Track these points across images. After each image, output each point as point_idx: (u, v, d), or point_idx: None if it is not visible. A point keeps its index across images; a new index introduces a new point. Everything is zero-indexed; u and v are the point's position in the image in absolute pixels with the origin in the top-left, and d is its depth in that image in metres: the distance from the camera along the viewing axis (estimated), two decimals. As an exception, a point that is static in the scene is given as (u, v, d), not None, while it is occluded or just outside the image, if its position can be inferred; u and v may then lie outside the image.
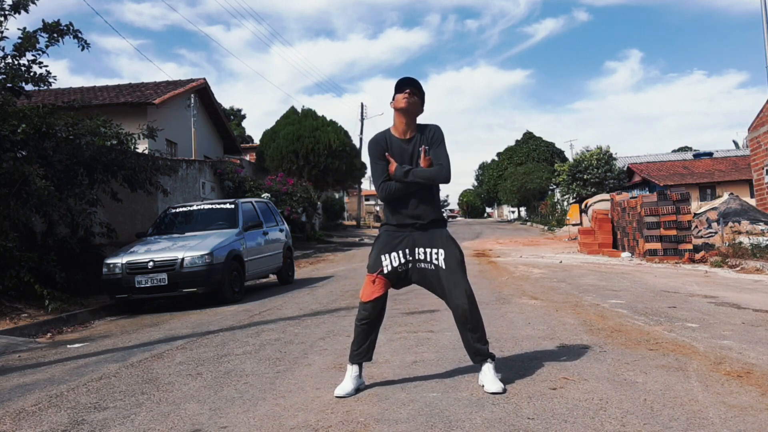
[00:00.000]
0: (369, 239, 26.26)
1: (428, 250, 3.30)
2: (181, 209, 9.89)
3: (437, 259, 3.28)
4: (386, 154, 3.33)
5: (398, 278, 3.34)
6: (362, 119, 41.33)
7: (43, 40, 8.57)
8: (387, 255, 3.31)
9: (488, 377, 3.20)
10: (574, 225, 26.35)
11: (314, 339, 5.04)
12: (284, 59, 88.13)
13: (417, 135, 3.36)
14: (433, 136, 3.37)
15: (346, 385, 3.28)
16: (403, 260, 3.30)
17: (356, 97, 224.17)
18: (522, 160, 51.64)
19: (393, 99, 3.34)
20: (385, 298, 3.35)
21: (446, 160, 3.33)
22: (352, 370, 3.33)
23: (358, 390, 3.31)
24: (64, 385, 4.04)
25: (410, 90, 3.29)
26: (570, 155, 46.32)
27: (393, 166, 3.30)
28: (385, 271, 3.30)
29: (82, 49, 9.00)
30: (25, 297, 7.55)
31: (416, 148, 3.33)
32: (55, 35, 8.63)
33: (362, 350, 3.35)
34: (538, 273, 9.81)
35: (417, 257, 3.31)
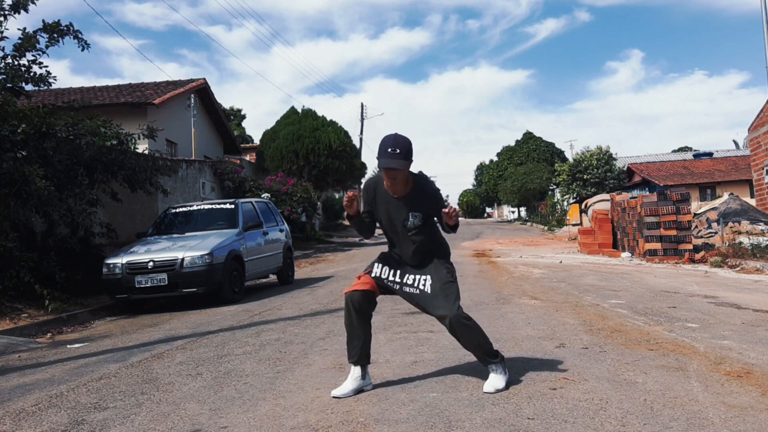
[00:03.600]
0: (369, 239, 26.17)
1: (416, 277, 3.32)
2: (181, 209, 9.89)
3: (424, 284, 3.29)
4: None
5: (385, 287, 3.37)
6: (362, 119, 41.38)
7: (43, 40, 8.57)
8: (380, 264, 3.39)
9: (488, 377, 3.23)
10: (574, 225, 26.35)
11: (314, 339, 5.04)
12: (285, 59, 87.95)
13: (407, 198, 3.26)
14: (431, 204, 3.29)
15: (345, 385, 3.28)
16: (392, 278, 3.36)
17: (357, 98, 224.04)
18: (522, 160, 51.63)
19: (377, 159, 3.16)
20: (369, 297, 3.31)
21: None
22: (353, 371, 3.32)
23: (362, 391, 3.30)
24: (64, 385, 4.04)
25: (394, 173, 3.14)
26: (570, 155, 46.32)
27: None
28: (373, 274, 3.35)
29: (83, 50, 9.01)
30: (25, 297, 7.55)
31: (404, 212, 3.26)
32: (55, 35, 8.62)
33: (352, 349, 3.33)
34: (538, 273, 9.81)
35: (405, 281, 3.35)
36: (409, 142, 3.16)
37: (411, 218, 3.28)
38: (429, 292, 3.25)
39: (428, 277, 3.29)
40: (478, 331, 3.24)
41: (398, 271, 3.37)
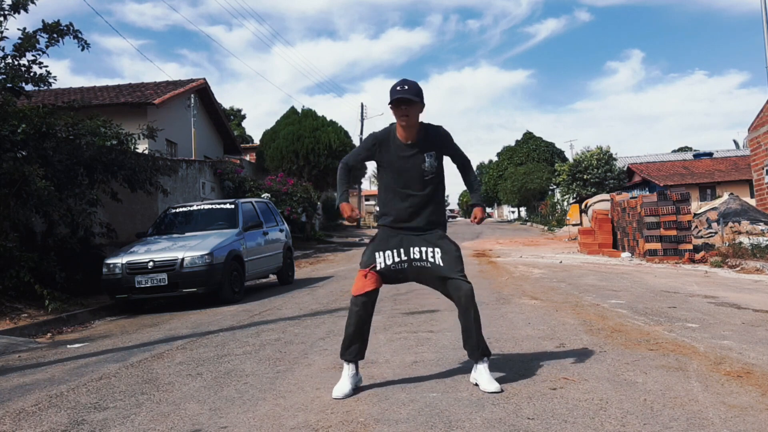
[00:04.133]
0: (369, 239, 26.18)
1: (424, 249, 3.30)
2: (181, 209, 9.89)
3: (433, 257, 3.28)
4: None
5: (392, 275, 3.33)
6: (362, 119, 41.37)
7: (43, 40, 8.56)
8: (381, 252, 3.32)
9: (484, 376, 3.20)
10: (574, 225, 26.36)
11: (314, 339, 5.04)
12: (285, 59, 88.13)
13: (420, 141, 3.34)
14: (443, 142, 3.41)
15: (344, 385, 3.26)
16: (398, 259, 3.30)
17: (357, 98, 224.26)
18: (522, 160, 51.64)
19: (390, 103, 3.28)
20: (376, 295, 3.32)
21: (467, 158, 3.57)
22: (348, 369, 3.31)
23: (356, 388, 3.31)
24: (64, 385, 4.04)
25: (405, 107, 3.23)
26: (570, 155, 46.33)
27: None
28: (378, 268, 3.30)
29: (82, 50, 9.01)
30: (25, 297, 7.55)
31: (420, 156, 3.31)
32: (55, 35, 8.62)
33: (355, 348, 3.32)
34: (538, 273, 9.81)
35: (412, 256, 3.31)
36: (417, 83, 3.29)
37: (428, 159, 3.31)
38: (441, 264, 3.26)
39: (437, 249, 3.29)
40: (479, 319, 3.26)
41: (401, 249, 3.30)
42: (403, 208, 3.34)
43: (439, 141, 3.39)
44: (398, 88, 3.24)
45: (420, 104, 3.28)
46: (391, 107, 3.25)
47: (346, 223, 37.41)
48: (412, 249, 3.30)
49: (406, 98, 3.21)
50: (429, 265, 3.28)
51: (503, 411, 2.83)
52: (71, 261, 8.41)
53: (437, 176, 3.37)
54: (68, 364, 4.80)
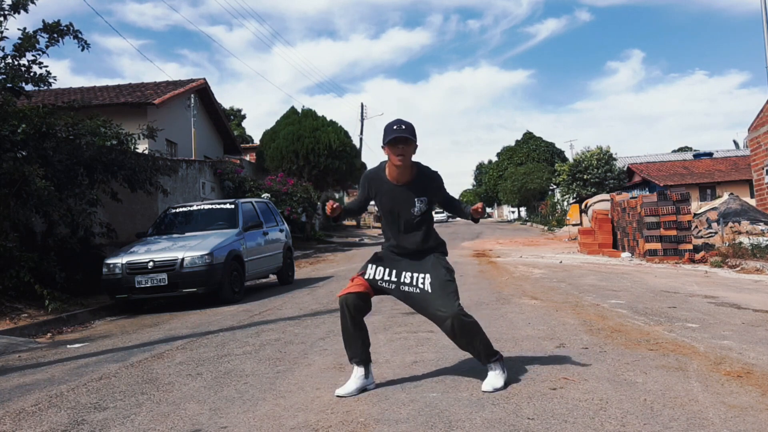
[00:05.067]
0: (369, 239, 26.26)
1: (414, 275, 3.29)
2: (181, 209, 9.89)
3: (423, 283, 3.26)
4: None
5: (378, 288, 3.34)
6: (362, 119, 41.38)
7: (43, 40, 8.57)
8: (373, 265, 3.37)
9: (487, 378, 3.21)
10: (574, 225, 26.37)
11: (314, 339, 5.04)
12: (286, 60, 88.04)
13: (412, 184, 3.31)
14: (435, 189, 3.38)
15: (348, 385, 3.27)
16: (387, 277, 3.32)
17: (357, 98, 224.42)
18: (522, 160, 51.65)
19: (383, 143, 3.22)
20: (363, 299, 3.30)
21: (452, 197, 3.53)
22: (356, 371, 3.31)
23: (365, 390, 3.30)
24: (64, 385, 4.04)
25: (402, 146, 3.19)
26: (570, 155, 46.35)
27: None
28: (366, 276, 3.33)
29: (83, 50, 9.01)
30: (25, 297, 7.55)
31: (410, 200, 3.30)
32: (55, 35, 8.62)
33: (351, 351, 3.33)
34: (538, 273, 9.81)
35: (402, 280, 3.30)
36: (411, 123, 3.27)
37: (417, 204, 3.30)
38: (429, 291, 3.21)
39: (427, 275, 3.26)
40: (477, 329, 3.22)
41: (394, 270, 3.32)
42: (397, 239, 3.39)
43: (431, 187, 3.36)
44: (395, 127, 3.19)
45: (415, 144, 3.25)
46: (387, 147, 3.21)
47: (346, 223, 37.34)
48: (404, 273, 3.31)
49: (404, 137, 3.17)
50: (418, 291, 3.26)
51: (503, 411, 2.83)
52: (71, 261, 8.41)
53: (425, 215, 3.37)
54: (68, 364, 4.80)
